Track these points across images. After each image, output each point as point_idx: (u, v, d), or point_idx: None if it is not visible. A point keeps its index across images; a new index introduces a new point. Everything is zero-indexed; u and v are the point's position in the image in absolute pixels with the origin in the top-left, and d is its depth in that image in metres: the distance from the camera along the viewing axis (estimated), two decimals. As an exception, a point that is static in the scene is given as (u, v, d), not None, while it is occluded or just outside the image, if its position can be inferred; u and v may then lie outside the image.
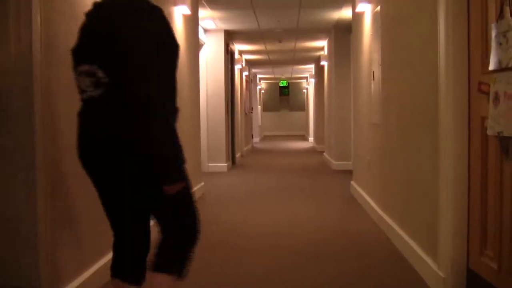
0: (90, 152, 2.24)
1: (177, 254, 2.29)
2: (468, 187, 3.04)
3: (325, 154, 13.09)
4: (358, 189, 6.73)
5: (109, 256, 3.50)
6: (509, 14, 2.46)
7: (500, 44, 2.52)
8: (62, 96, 3.01)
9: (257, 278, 3.60)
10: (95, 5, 2.28)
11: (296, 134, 25.84)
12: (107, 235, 3.62)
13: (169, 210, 2.29)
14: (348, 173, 8.47)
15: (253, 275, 3.65)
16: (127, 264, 2.34)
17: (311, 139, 20.94)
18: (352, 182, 7.33)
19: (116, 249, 2.38)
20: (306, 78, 23.72)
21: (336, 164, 10.65)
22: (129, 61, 2.09)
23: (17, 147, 2.58)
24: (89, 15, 2.28)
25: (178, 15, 6.13)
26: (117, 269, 2.35)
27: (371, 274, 3.68)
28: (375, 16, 5.54)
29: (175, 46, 2.22)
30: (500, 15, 2.54)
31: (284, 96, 27.53)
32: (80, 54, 2.24)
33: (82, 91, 2.23)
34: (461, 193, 3.06)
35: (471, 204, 3.02)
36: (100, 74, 2.14)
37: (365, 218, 5.60)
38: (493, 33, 2.58)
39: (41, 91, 2.70)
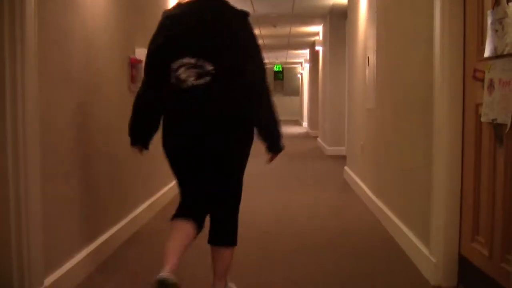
0: (196, 126, 2.58)
1: (236, 229, 2.81)
2: (462, 174, 3.05)
3: (318, 139, 13.10)
4: (352, 174, 6.75)
5: (98, 242, 3.54)
6: (505, 1, 2.45)
7: (496, 31, 2.51)
8: (56, 80, 2.99)
9: (251, 265, 3.62)
10: (185, 7, 2.66)
11: (290, 119, 25.81)
12: (99, 219, 3.64)
13: (237, 181, 2.77)
14: (342, 159, 8.48)
15: (247, 262, 3.66)
16: (199, 211, 2.72)
17: (305, 124, 20.95)
18: (346, 168, 7.35)
19: (192, 204, 2.73)
20: (301, 63, 23.66)
21: (330, 149, 10.67)
22: (245, 55, 2.61)
23: (12, 135, 2.55)
24: (180, 16, 2.65)
25: (172, -2, 6.08)
26: (184, 213, 2.69)
27: (363, 259, 3.70)
28: (371, 1, 5.52)
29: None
30: (496, 2, 2.53)
31: (279, 80, 27.48)
32: (182, 49, 2.58)
33: (180, 80, 2.58)
34: (454, 179, 3.07)
35: (464, 191, 3.03)
36: (208, 66, 2.54)
37: (359, 204, 5.61)
38: (489, 20, 2.58)
39: (35, 75, 2.67)
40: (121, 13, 4.12)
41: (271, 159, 2.78)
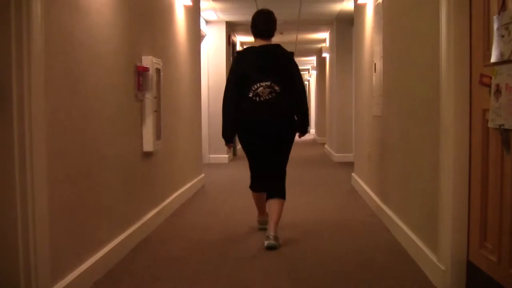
0: (266, 122, 4.21)
1: (285, 188, 4.38)
2: (469, 180, 3.04)
3: (326, 146, 13.10)
4: (360, 181, 6.73)
5: (106, 249, 3.56)
6: (511, 6, 2.45)
7: (502, 36, 2.51)
8: (62, 86, 3.00)
9: (258, 269, 3.61)
10: (258, 49, 4.34)
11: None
12: (106, 226, 3.64)
13: (286, 155, 4.40)
14: (349, 165, 8.47)
15: (254, 266, 3.66)
16: (264, 185, 4.41)
17: (312, 131, 20.94)
18: (353, 174, 7.34)
19: (260, 181, 4.46)
20: (308, 70, 23.67)
21: (337, 156, 10.66)
22: (296, 80, 4.30)
23: (18, 140, 2.57)
24: (255, 54, 4.32)
25: (179, 6, 6.11)
26: (257, 188, 4.50)
27: (371, 266, 3.69)
28: (377, 8, 5.52)
29: None
30: (502, 7, 2.53)
31: (286, 88, 27.43)
32: (260, 75, 4.18)
33: (258, 95, 4.18)
34: (461, 185, 3.06)
35: (471, 197, 3.02)
36: (276, 87, 4.20)
37: (366, 210, 5.60)
38: (495, 26, 2.57)
39: (42, 81, 2.69)
40: (127, 21, 4.15)
41: (300, 136, 4.50)
